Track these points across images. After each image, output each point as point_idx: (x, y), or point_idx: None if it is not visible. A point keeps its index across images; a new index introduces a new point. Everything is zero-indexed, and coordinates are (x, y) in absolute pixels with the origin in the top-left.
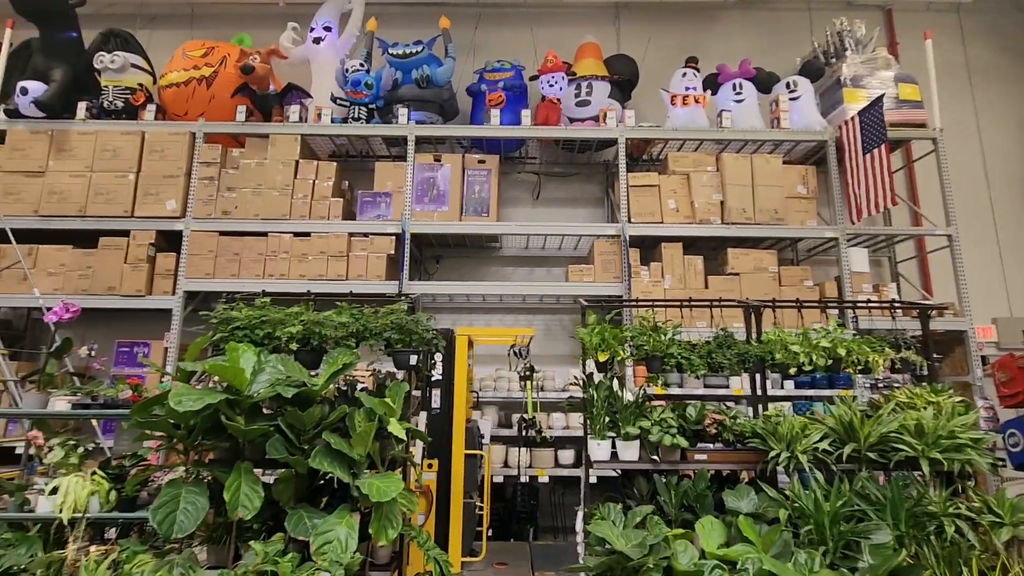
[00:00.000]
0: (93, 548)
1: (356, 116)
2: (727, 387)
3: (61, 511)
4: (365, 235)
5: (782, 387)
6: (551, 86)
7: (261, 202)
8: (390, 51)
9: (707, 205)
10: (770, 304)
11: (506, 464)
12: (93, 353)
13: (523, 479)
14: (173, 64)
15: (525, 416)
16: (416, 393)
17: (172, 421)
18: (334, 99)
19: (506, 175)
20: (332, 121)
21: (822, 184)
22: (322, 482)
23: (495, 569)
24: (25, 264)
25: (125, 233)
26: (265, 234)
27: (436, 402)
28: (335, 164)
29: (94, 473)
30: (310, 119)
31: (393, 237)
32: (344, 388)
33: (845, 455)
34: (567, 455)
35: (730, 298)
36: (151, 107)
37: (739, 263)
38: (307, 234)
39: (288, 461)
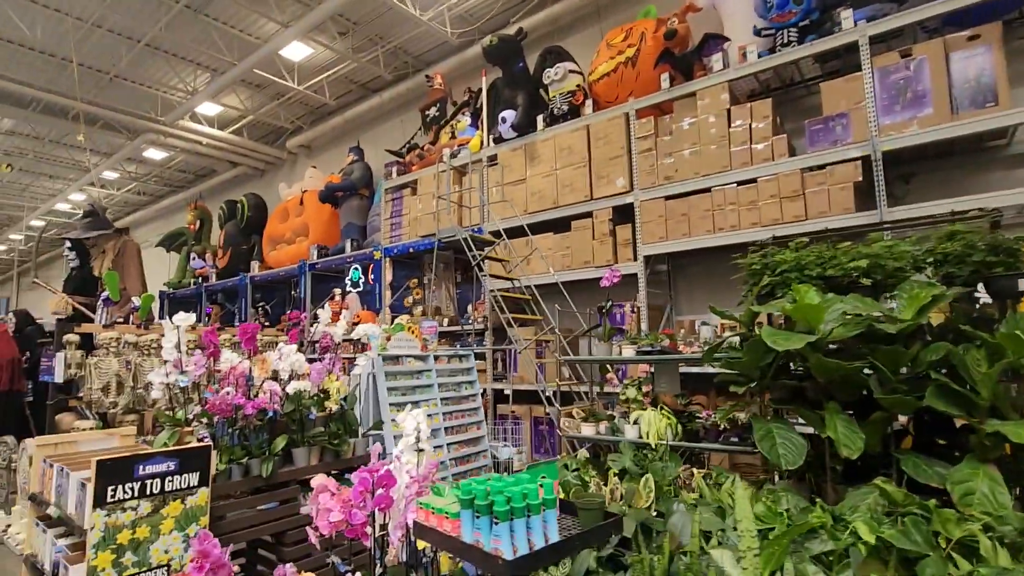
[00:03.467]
0: (693, 469)
1: (785, 41)
2: None
3: (647, 437)
4: (821, 167)
5: None
6: None
7: (699, 160)
8: None
9: None
10: None
11: None
12: (623, 309)
13: None
14: (599, 58)
15: None
16: None
17: (748, 361)
18: (757, 32)
19: (1008, 44)
20: (759, 56)
21: None
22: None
23: None
24: (540, 251)
25: (588, 215)
26: (708, 190)
27: None
28: (769, 101)
29: (662, 408)
30: (732, 62)
31: (857, 162)
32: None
33: None
34: None
35: None
36: (588, 102)
37: None
38: (752, 180)
39: (887, 402)
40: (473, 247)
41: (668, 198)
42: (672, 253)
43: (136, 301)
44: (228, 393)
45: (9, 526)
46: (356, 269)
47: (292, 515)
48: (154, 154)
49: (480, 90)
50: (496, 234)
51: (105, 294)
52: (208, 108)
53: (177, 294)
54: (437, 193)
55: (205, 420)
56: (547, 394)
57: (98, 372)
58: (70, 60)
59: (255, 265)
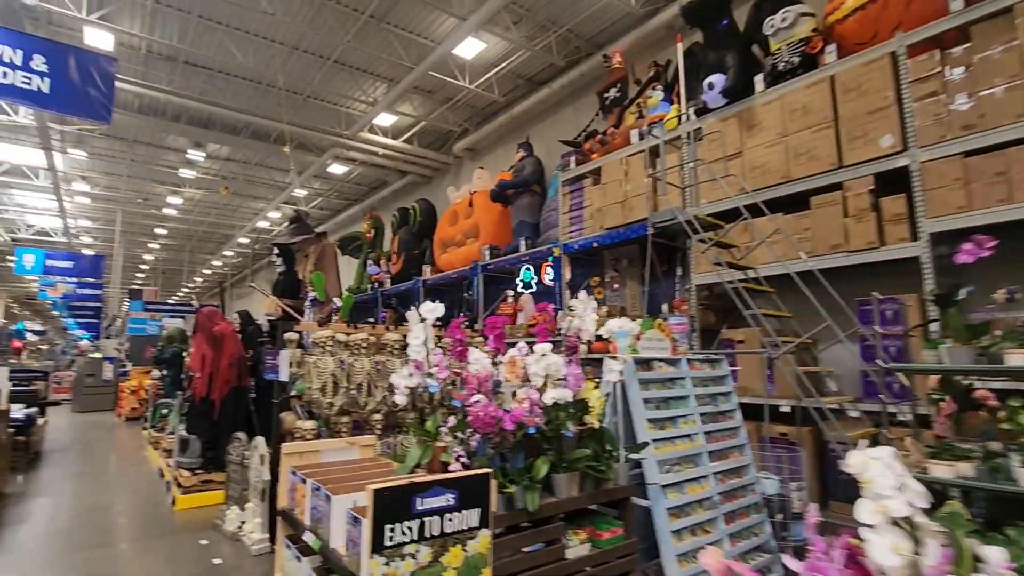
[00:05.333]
0: None
1: None
2: None
3: None
4: None
5: None
6: None
7: (1022, 97)
8: None
9: None
10: None
11: None
12: (1015, 297)
13: None
14: None
15: None
16: None
17: None
18: None
19: None
20: None
21: None
22: None
23: None
24: (782, 232)
25: (835, 187)
26: None
27: None
28: None
29: None
30: None
31: None
32: None
33: None
34: None
35: None
36: (829, 48)
37: None
38: None
39: None
40: (700, 229)
41: (969, 154)
42: (962, 230)
43: (337, 302)
44: (478, 401)
45: (243, 523)
46: (528, 269)
47: (558, 560)
48: (336, 168)
49: (669, 61)
50: (734, 213)
51: (312, 295)
52: (384, 119)
53: (355, 299)
54: (649, 172)
55: (459, 435)
56: (820, 410)
57: (316, 371)
58: (273, 85)
59: (427, 269)
